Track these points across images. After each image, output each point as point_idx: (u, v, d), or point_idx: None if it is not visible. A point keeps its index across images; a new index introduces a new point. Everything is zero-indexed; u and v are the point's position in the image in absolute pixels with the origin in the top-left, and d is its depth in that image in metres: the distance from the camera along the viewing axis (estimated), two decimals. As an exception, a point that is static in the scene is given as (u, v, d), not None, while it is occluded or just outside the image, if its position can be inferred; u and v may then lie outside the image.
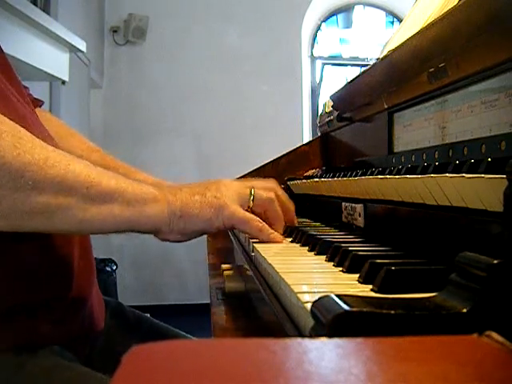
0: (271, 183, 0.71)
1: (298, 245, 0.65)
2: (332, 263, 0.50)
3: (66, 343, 0.65)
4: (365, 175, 0.69)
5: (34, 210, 0.51)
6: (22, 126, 0.53)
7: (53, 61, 2.10)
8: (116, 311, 0.85)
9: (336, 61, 4.25)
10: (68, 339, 0.65)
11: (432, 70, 0.65)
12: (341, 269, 0.46)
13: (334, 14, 4.23)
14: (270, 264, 0.48)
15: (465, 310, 0.26)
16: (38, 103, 0.88)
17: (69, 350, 0.65)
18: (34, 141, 0.52)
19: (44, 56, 2.00)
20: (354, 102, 0.99)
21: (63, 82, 2.24)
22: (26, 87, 0.86)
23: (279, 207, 0.69)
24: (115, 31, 3.75)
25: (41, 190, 0.51)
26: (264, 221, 0.67)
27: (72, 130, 0.91)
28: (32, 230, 0.54)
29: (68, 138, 0.87)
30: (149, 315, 0.92)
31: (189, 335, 0.90)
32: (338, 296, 0.28)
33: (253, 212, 0.66)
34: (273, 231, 0.66)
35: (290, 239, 0.69)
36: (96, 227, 0.57)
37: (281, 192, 0.72)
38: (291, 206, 0.74)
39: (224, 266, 0.91)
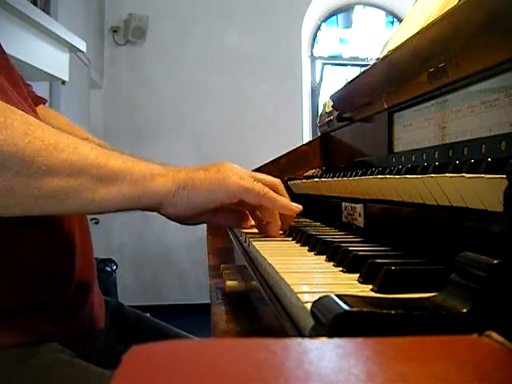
0: (277, 179, 0.71)
1: (298, 245, 0.65)
2: (332, 263, 0.50)
3: (66, 342, 0.65)
4: (365, 175, 0.69)
5: (47, 194, 0.52)
6: None
7: (53, 61, 2.10)
8: (116, 311, 0.85)
9: (336, 61, 4.25)
10: (68, 338, 0.65)
11: (432, 69, 0.65)
12: (341, 269, 0.46)
13: (334, 13, 4.23)
14: (269, 264, 0.48)
15: (465, 310, 0.26)
16: (41, 101, 0.88)
17: (69, 348, 0.65)
18: (43, 126, 0.54)
19: (44, 56, 2.00)
20: (354, 102, 0.99)
21: (63, 82, 2.24)
22: (28, 85, 0.86)
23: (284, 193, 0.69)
24: (115, 31, 3.75)
25: (53, 174, 0.52)
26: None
27: (75, 128, 0.91)
28: (43, 213, 0.55)
29: (71, 135, 0.87)
30: (149, 315, 0.92)
31: (189, 335, 0.90)
32: (338, 296, 0.28)
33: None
34: (281, 197, 0.66)
35: (290, 239, 0.69)
36: (105, 207, 0.58)
37: (281, 186, 0.72)
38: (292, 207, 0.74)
39: (224, 266, 0.91)
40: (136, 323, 0.86)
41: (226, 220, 0.70)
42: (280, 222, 0.70)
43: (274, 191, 0.68)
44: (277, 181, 0.68)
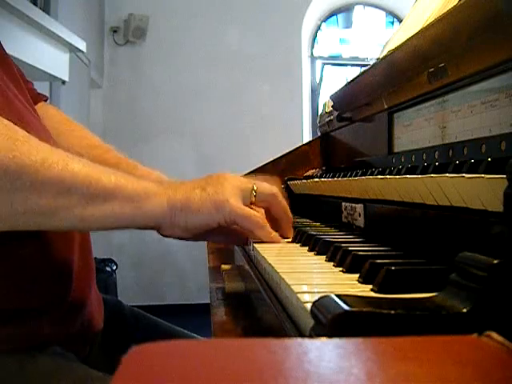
0: (274, 187, 0.69)
1: (297, 245, 0.65)
2: (332, 263, 0.50)
3: (65, 344, 0.65)
4: (365, 175, 0.69)
5: (32, 211, 0.51)
6: (20, 126, 0.53)
7: (53, 61, 2.10)
8: (114, 309, 0.85)
9: (336, 61, 4.25)
10: (68, 340, 0.65)
11: (432, 70, 0.65)
12: (341, 269, 0.46)
13: (334, 13, 4.23)
14: (270, 264, 0.48)
15: (465, 310, 0.26)
16: (41, 98, 0.87)
17: (68, 349, 0.65)
18: (31, 141, 0.52)
19: (44, 56, 2.00)
20: (353, 102, 0.99)
21: (63, 82, 2.24)
22: (29, 82, 0.85)
23: (285, 203, 0.68)
24: (115, 31, 3.75)
25: (39, 191, 0.51)
26: (269, 220, 0.65)
27: (74, 124, 0.90)
28: (29, 229, 0.54)
29: (67, 134, 0.86)
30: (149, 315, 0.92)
31: (189, 332, 0.90)
32: (337, 296, 0.28)
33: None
34: (272, 231, 0.65)
35: (290, 239, 0.69)
36: (97, 225, 0.57)
37: (281, 198, 0.70)
38: (290, 216, 0.71)
39: (224, 266, 0.91)
40: (134, 321, 0.86)
41: (228, 238, 0.70)
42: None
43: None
44: (274, 190, 0.67)
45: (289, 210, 0.69)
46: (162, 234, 0.62)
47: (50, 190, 0.51)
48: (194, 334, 0.91)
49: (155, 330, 0.85)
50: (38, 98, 0.86)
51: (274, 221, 0.68)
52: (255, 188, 0.65)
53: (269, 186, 0.66)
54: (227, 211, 0.61)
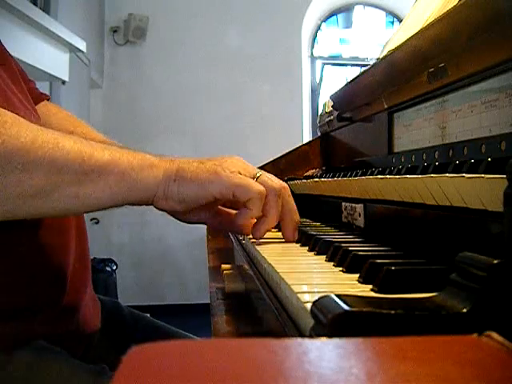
0: (280, 184, 0.64)
1: (297, 245, 0.65)
2: (332, 263, 0.50)
3: (59, 343, 0.64)
4: (365, 175, 0.69)
5: (27, 193, 0.50)
6: None
7: (53, 61, 2.10)
8: (112, 311, 0.84)
9: (336, 61, 4.25)
10: (62, 339, 0.65)
11: (432, 69, 0.65)
12: (341, 269, 0.46)
13: (334, 13, 4.23)
14: (270, 264, 0.48)
15: (465, 310, 0.26)
16: (43, 97, 0.87)
17: (63, 349, 0.65)
18: (20, 123, 0.51)
19: (44, 56, 2.01)
20: (353, 102, 0.99)
21: (63, 82, 2.24)
22: (31, 81, 0.86)
23: (293, 202, 0.63)
24: (115, 31, 3.75)
25: (30, 172, 0.50)
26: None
27: (77, 121, 0.89)
28: (27, 214, 0.53)
29: (71, 130, 0.86)
30: (148, 315, 0.92)
31: (188, 333, 0.90)
32: (337, 296, 0.28)
33: None
34: (273, 211, 0.60)
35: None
36: (93, 201, 0.55)
37: (289, 193, 0.66)
38: (297, 214, 0.66)
39: (224, 266, 0.91)
40: (133, 322, 0.86)
41: (228, 223, 0.66)
42: (272, 223, 0.62)
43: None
44: (276, 185, 0.62)
45: (296, 212, 0.64)
46: (156, 207, 0.60)
47: (41, 169, 0.51)
48: (193, 335, 0.91)
49: (154, 331, 0.85)
50: (40, 97, 0.86)
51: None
52: (258, 175, 0.61)
53: (271, 182, 0.62)
54: (224, 180, 0.57)
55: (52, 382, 0.58)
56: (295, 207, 0.65)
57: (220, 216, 0.66)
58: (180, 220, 0.64)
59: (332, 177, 0.88)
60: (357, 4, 4.23)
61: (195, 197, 0.58)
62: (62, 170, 0.52)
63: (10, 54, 0.78)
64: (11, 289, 0.62)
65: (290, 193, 0.65)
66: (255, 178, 0.61)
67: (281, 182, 0.64)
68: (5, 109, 0.53)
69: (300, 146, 1.32)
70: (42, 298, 0.64)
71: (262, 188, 0.59)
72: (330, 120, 1.19)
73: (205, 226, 1.15)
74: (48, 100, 0.89)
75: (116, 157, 0.56)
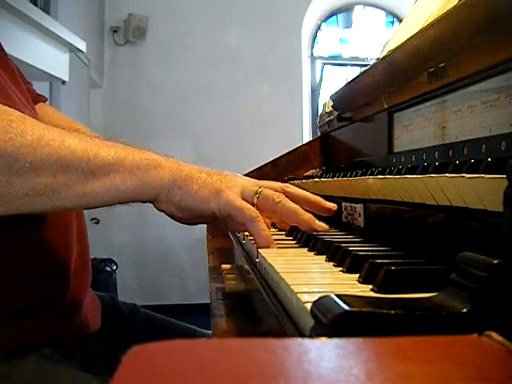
0: (280, 194, 0.64)
1: (298, 245, 0.65)
2: (332, 263, 0.50)
3: (60, 344, 0.64)
4: (365, 175, 0.69)
5: (33, 191, 0.51)
6: None
7: (53, 61, 2.10)
8: (110, 305, 0.85)
9: (336, 61, 4.25)
10: (63, 340, 0.65)
11: (432, 69, 0.65)
12: (341, 269, 0.46)
13: (334, 13, 4.23)
14: (270, 264, 0.48)
15: (465, 310, 0.26)
16: (40, 99, 0.88)
17: (64, 350, 0.65)
18: (26, 121, 0.51)
19: (44, 56, 2.01)
20: (353, 102, 0.99)
21: (63, 82, 2.24)
22: (29, 82, 0.86)
23: (292, 205, 0.63)
24: (115, 31, 3.75)
25: (38, 170, 0.50)
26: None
27: (75, 124, 0.90)
28: (33, 210, 0.53)
29: None
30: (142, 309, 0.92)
31: (185, 324, 0.90)
32: (337, 296, 0.28)
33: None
34: (266, 229, 0.60)
35: (290, 238, 0.69)
36: (99, 200, 0.56)
37: (293, 189, 0.67)
38: (312, 196, 0.67)
39: (224, 266, 0.91)
40: (131, 314, 0.86)
41: (227, 224, 0.66)
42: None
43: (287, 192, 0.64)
44: (277, 196, 0.62)
45: (300, 210, 0.64)
46: (157, 207, 0.60)
47: (48, 168, 0.51)
48: (189, 325, 0.91)
49: (152, 322, 0.86)
50: (37, 98, 0.86)
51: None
52: (259, 191, 0.62)
53: (271, 193, 0.63)
54: (223, 201, 0.59)
55: None
56: (303, 197, 0.66)
57: (217, 220, 0.65)
58: (177, 221, 0.64)
59: (332, 177, 0.88)
60: (357, 4, 4.23)
61: (195, 209, 0.60)
62: (68, 168, 0.52)
63: (7, 55, 0.78)
64: (12, 289, 0.62)
65: (297, 193, 0.66)
66: (257, 194, 0.62)
67: (279, 185, 0.65)
68: (4, 103, 0.53)
69: (300, 146, 1.32)
70: (43, 298, 0.64)
71: (253, 214, 0.59)
72: (330, 120, 1.19)
73: (205, 226, 1.16)
74: (45, 102, 0.89)
75: (122, 156, 0.56)
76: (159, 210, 0.61)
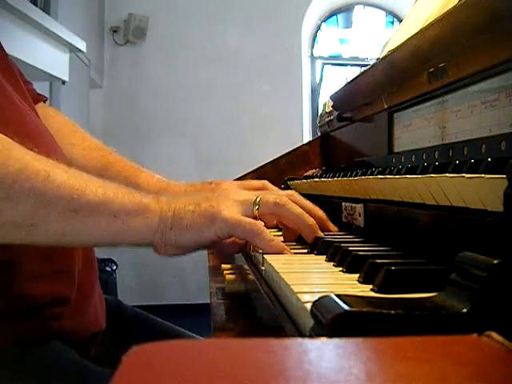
0: (281, 196, 0.62)
1: (298, 245, 0.65)
2: (332, 263, 0.50)
3: (68, 343, 0.65)
4: (365, 175, 0.69)
5: (9, 223, 0.50)
6: (21, 124, 0.53)
7: (53, 61, 2.10)
8: (115, 310, 0.85)
9: (336, 61, 4.25)
10: (71, 340, 0.66)
11: (432, 69, 0.65)
12: (341, 269, 0.46)
13: (334, 13, 4.23)
14: (270, 264, 0.48)
15: (465, 310, 0.26)
16: (40, 99, 0.88)
17: (73, 345, 0.65)
18: (11, 150, 0.50)
19: (44, 56, 2.01)
20: (353, 102, 0.99)
21: (63, 82, 2.24)
22: (29, 82, 0.86)
23: (297, 209, 0.60)
24: (115, 31, 3.75)
25: (16, 202, 0.49)
26: (290, 231, 0.60)
27: (75, 126, 0.90)
28: (11, 242, 0.52)
29: (69, 135, 0.87)
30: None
31: (188, 332, 0.90)
32: (337, 296, 0.28)
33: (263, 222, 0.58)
34: (273, 238, 0.57)
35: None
36: (81, 240, 0.54)
37: (298, 197, 0.64)
38: (318, 211, 0.65)
39: (224, 266, 0.91)
40: (135, 321, 0.86)
41: (229, 247, 0.64)
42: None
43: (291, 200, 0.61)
44: (280, 198, 0.60)
45: (306, 215, 0.61)
46: (158, 253, 0.58)
47: (27, 201, 0.49)
48: (195, 335, 0.91)
49: (157, 330, 0.86)
50: (37, 98, 0.86)
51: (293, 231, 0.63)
52: (258, 200, 0.59)
53: (274, 196, 0.60)
54: (218, 223, 0.56)
55: (69, 381, 0.59)
56: (309, 207, 0.64)
57: (220, 245, 0.63)
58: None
59: (332, 177, 0.88)
60: (357, 4, 4.23)
61: (193, 243, 0.57)
62: (49, 204, 0.50)
63: (7, 54, 0.78)
64: (20, 287, 0.62)
65: (303, 203, 0.64)
66: (256, 203, 0.59)
67: (284, 192, 0.63)
68: (6, 106, 0.53)
69: (300, 146, 1.32)
70: (50, 296, 0.64)
71: (254, 227, 0.57)
72: (330, 120, 1.19)
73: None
74: (45, 102, 0.89)
75: (110, 197, 0.54)
76: (162, 255, 0.58)
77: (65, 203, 0.51)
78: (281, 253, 0.57)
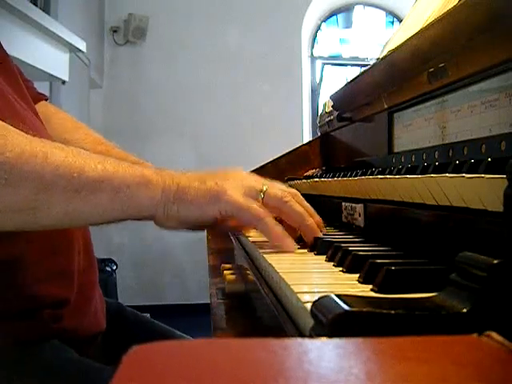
0: (286, 192, 0.62)
1: (298, 245, 0.65)
2: (332, 263, 0.50)
3: (68, 344, 0.65)
4: (365, 175, 0.69)
5: (10, 208, 0.49)
6: (18, 124, 0.52)
7: (53, 61, 2.10)
8: (116, 312, 0.85)
9: (336, 61, 4.25)
10: (71, 340, 0.66)
11: (432, 70, 0.65)
12: (341, 269, 0.46)
13: (334, 14, 4.23)
14: (270, 264, 0.48)
15: (465, 310, 0.26)
16: (41, 97, 0.88)
17: (74, 345, 0.66)
18: (8, 135, 0.49)
19: (44, 56, 2.00)
20: (354, 102, 0.99)
21: (63, 82, 2.24)
22: (29, 81, 0.86)
23: (299, 208, 0.60)
24: (115, 31, 3.75)
25: (16, 187, 0.48)
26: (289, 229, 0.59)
27: (78, 123, 0.91)
28: (14, 228, 0.52)
29: (73, 131, 0.87)
30: (149, 315, 0.92)
31: (189, 337, 0.90)
32: (337, 296, 0.28)
33: None
34: (278, 224, 0.57)
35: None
36: (85, 219, 0.54)
37: (301, 198, 0.64)
38: (316, 216, 0.64)
39: (224, 266, 0.91)
40: (136, 325, 0.86)
41: (230, 226, 0.64)
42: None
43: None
44: (285, 195, 0.60)
45: (307, 215, 0.61)
46: (158, 225, 0.58)
47: (27, 185, 0.49)
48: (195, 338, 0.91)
49: (157, 333, 0.86)
50: (38, 97, 0.86)
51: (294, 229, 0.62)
52: (264, 190, 0.59)
53: (279, 192, 0.60)
54: (223, 202, 0.56)
55: (69, 380, 0.59)
56: (309, 210, 0.64)
57: (219, 224, 0.62)
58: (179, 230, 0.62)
59: (332, 177, 0.88)
60: (357, 4, 4.23)
61: (196, 219, 0.57)
62: (49, 186, 0.50)
63: (7, 54, 0.78)
64: (20, 287, 0.62)
65: (304, 204, 0.63)
66: (262, 192, 0.59)
67: (289, 190, 0.63)
68: (3, 107, 0.53)
69: (300, 146, 1.32)
70: (50, 296, 0.64)
71: (261, 212, 0.57)
72: (330, 120, 1.19)
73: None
74: (46, 100, 0.89)
75: (110, 172, 0.53)
76: (160, 227, 0.59)
77: (65, 183, 0.50)
78: (283, 241, 0.57)
